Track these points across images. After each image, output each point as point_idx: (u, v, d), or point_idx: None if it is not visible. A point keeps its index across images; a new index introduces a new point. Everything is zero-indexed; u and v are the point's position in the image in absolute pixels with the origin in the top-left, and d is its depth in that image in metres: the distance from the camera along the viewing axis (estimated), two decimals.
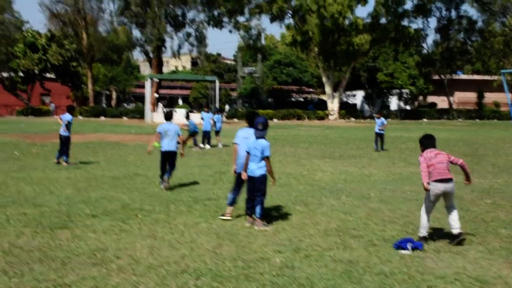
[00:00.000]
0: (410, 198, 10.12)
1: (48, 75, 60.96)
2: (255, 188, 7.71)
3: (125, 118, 55.47)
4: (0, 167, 13.91)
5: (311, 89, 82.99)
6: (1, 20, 57.29)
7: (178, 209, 8.81)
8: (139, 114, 55.61)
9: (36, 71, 58.86)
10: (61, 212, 8.32)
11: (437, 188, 6.81)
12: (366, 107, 72.74)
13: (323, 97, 68.03)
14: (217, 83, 50.22)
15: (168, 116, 11.44)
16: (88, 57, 61.42)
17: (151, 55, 60.31)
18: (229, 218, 8.02)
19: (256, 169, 7.70)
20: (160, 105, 55.78)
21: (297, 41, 57.25)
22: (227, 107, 62.55)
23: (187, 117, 22.48)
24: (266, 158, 7.67)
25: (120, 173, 13.07)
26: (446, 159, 6.91)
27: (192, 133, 20.52)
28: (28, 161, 15.31)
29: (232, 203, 8.17)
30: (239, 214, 8.28)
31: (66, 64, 59.82)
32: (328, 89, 59.57)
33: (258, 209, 7.63)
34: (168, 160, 10.95)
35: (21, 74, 60.01)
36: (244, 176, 7.78)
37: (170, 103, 75.86)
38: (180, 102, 73.32)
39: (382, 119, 21.16)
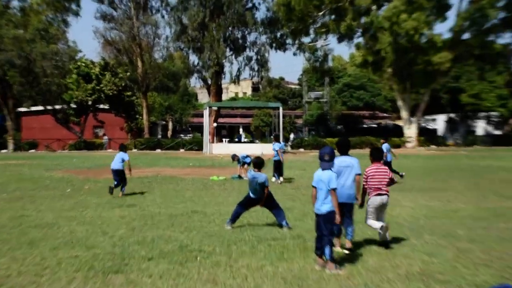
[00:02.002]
0: (507, 237, 9.66)
1: (101, 106, 62.63)
2: (322, 226, 7.58)
3: (182, 150, 56.54)
4: (52, 205, 14.38)
5: (385, 114, 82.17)
6: (55, 51, 58.54)
7: (240, 250, 8.75)
8: (197, 145, 56.49)
9: (90, 102, 60.49)
10: (114, 254, 8.44)
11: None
12: (448, 132, 71.14)
13: (399, 123, 67.01)
14: (281, 110, 50.44)
15: (259, 164, 10.92)
16: (143, 86, 62.94)
17: (209, 81, 61.42)
18: (339, 249, 8.41)
19: (322, 205, 7.58)
20: (241, 130, 57.00)
21: (368, 61, 56.91)
22: (292, 136, 62.52)
23: (233, 158, 23.35)
24: (332, 191, 7.54)
25: (177, 211, 13.20)
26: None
27: (243, 163, 22.09)
28: (80, 199, 15.74)
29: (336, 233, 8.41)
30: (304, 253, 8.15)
31: (120, 94, 61.30)
32: (404, 113, 58.63)
33: (327, 250, 7.48)
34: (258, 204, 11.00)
35: (73, 105, 61.60)
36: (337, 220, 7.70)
37: (230, 132, 76.79)
38: (241, 131, 74.02)
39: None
